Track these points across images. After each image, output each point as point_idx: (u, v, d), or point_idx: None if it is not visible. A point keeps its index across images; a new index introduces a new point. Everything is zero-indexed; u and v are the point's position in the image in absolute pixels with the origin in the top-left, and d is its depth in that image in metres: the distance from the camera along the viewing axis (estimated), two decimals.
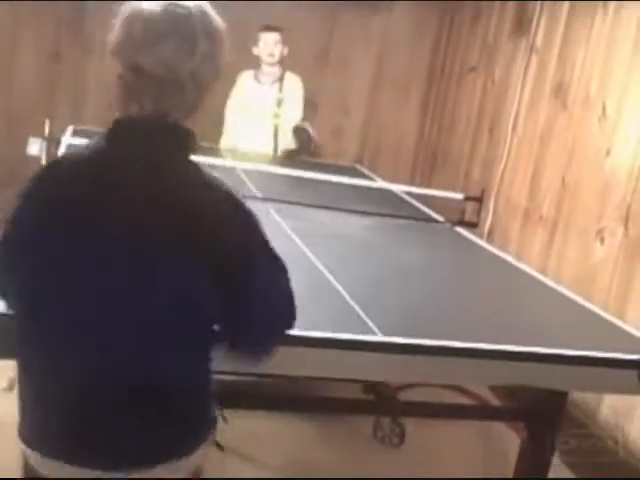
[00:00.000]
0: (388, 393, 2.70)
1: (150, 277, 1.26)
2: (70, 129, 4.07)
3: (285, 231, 2.78)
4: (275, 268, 1.40)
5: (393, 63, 5.62)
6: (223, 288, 1.29)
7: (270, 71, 4.54)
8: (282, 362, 1.80)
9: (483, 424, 3.15)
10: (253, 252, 1.34)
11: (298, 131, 4.50)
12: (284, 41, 4.48)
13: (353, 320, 1.96)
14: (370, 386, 2.81)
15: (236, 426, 2.86)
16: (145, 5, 1.27)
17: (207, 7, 1.32)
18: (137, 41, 1.25)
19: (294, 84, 4.59)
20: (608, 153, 3.44)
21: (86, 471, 1.32)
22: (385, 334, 1.88)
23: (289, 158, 4.40)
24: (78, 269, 1.27)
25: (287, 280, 1.43)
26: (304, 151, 4.50)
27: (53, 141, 3.36)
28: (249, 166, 3.60)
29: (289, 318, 1.46)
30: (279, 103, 4.56)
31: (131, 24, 1.26)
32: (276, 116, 4.57)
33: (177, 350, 1.32)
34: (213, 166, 1.49)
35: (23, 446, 1.38)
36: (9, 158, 4.75)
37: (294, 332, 1.77)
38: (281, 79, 4.57)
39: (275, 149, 4.61)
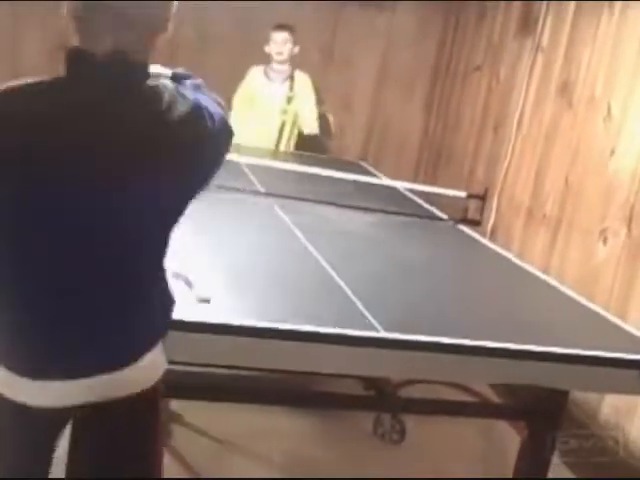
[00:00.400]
0: (389, 390, 2.70)
1: (124, 191, 1.33)
2: None
3: (288, 226, 2.79)
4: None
5: (397, 62, 5.62)
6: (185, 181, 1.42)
7: (280, 69, 4.56)
8: (283, 357, 1.81)
9: (484, 422, 3.16)
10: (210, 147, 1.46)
11: (322, 117, 4.61)
12: (295, 40, 4.50)
13: (355, 316, 1.96)
14: (371, 382, 2.81)
15: (236, 421, 2.87)
16: None
17: None
18: None
19: (304, 82, 4.61)
20: (612, 153, 3.44)
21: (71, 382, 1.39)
22: (387, 330, 1.89)
23: (305, 145, 4.51)
24: (55, 197, 1.31)
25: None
26: (324, 137, 4.62)
27: None
28: (253, 161, 3.60)
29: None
30: (289, 100, 4.58)
31: None
32: (284, 112, 4.58)
33: (152, 251, 1.44)
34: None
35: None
36: None
37: (296, 327, 1.79)
38: (291, 78, 4.59)
39: (277, 145, 4.63)
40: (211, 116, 1.43)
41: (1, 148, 1.29)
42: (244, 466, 2.80)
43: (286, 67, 4.57)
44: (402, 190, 3.96)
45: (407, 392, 2.74)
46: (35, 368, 1.39)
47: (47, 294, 1.36)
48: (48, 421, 1.44)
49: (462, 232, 3.34)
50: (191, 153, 1.39)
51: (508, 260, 2.96)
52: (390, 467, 2.88)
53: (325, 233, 2.87)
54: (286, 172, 3.58)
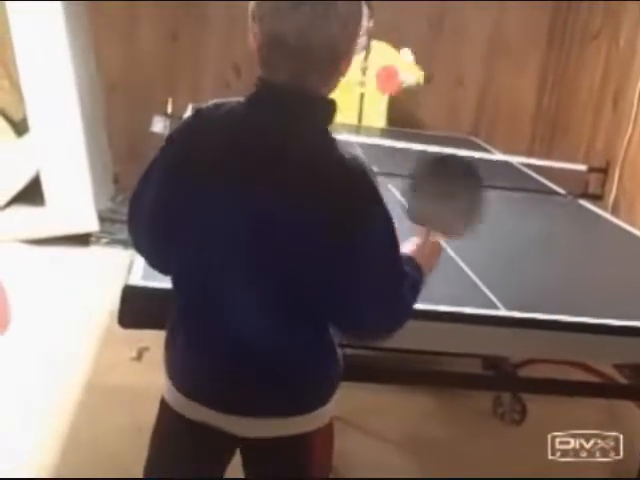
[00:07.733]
0: (508, 369, 2.65)
1: (272, 238, 1.30)
2: (190, 107, 4.17)
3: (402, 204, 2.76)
4: (388, 272, 1.37)
5: (509, 31, 5.44)
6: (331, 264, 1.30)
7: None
8: (404, 336, 1.80)
9: (608, 403, 3.05)
10: (369, 242, 1.34)
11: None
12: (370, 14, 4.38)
13: (476, 294, 1.93)
14: (490, 361, 2.77)
15: (353, 398, 2.89)
16: None
17: None
18: (278, 7, 1.25)
19: (382, 48, 4.52)
20: None
21: (226, 416, 1.41)
22: (508, 309, 1.85)
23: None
24: (211, 221, 1.33)
25: (398, 288, 1.40)
26: None
27: (175, 119, 3.45)
28: (361, 139, 3.57)
29: (387, 318, 1.43)
30: (364, 71, 4.52)
31: None
32: (361, 84, 4.54)
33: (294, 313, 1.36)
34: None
35: (169, 383, 1.46)
36: (132, 135, 4.93)
37: (416, 305, 1.78)
38: (366, 49, 4.50)
39: (359, 118, 4.59)
40: (389, 238, 1.40)
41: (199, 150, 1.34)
42: (360, 442, 2.82)
43: (363, 39, 4.47)
44: (517, 165, 3.85)
45: (528, 372, 2.69)
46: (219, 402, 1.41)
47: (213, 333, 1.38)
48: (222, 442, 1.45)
49: (583, 207, 3.23)
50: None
51: (633, 235, 2.84)
52: (509, 447, 2.84)
53: None
54: (392, 149, 3.51)
